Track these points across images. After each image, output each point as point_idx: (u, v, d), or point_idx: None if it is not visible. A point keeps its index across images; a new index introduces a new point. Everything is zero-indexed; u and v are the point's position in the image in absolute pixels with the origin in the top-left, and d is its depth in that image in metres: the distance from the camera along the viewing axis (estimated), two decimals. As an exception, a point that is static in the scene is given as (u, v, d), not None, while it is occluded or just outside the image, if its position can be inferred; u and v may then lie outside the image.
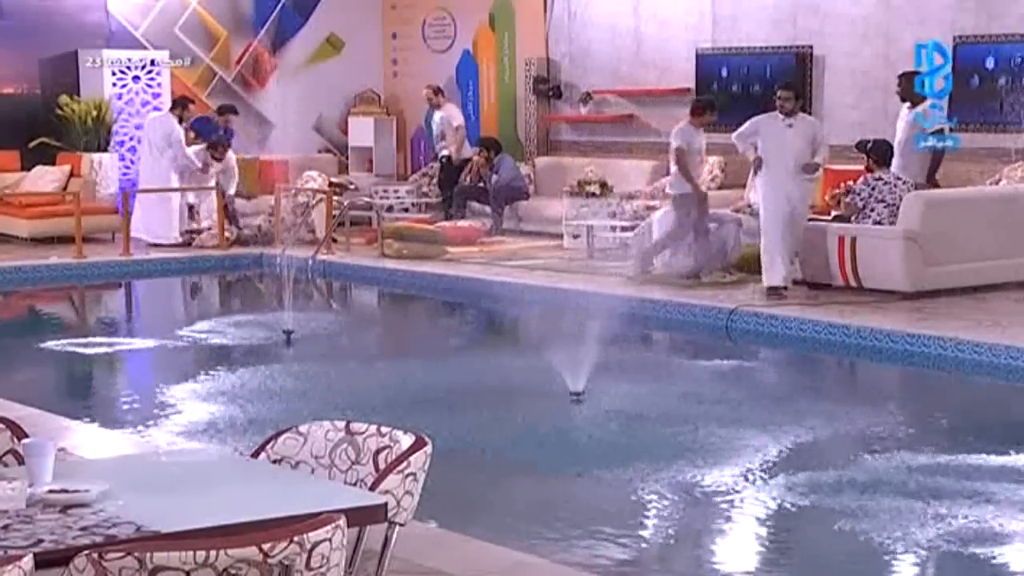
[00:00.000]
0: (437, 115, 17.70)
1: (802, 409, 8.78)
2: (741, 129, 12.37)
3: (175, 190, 16.00)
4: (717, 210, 13.33)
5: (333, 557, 3.23)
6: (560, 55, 18.03)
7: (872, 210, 12.01)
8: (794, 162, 11.92)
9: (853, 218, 12.13)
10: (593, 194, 15.37)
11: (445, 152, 17.50)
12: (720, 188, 15.46)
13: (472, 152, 17.23)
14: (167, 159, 16.02)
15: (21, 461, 3.94)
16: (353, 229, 15.98)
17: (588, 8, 17.59)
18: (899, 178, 12.14)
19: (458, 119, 17.69)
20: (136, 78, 17.48)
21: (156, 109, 17.16)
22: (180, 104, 16.44)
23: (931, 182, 12.48)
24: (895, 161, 12.38)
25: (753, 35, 15.95)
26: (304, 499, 3.63)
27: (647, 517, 6.76)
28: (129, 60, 17.49)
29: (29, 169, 16.91)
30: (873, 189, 12.04)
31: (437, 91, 17.79)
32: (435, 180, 18.02)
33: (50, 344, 11.24)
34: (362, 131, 19.21)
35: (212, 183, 16.21)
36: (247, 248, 15.78)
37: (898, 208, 11.84)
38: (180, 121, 16.23)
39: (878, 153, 12.29)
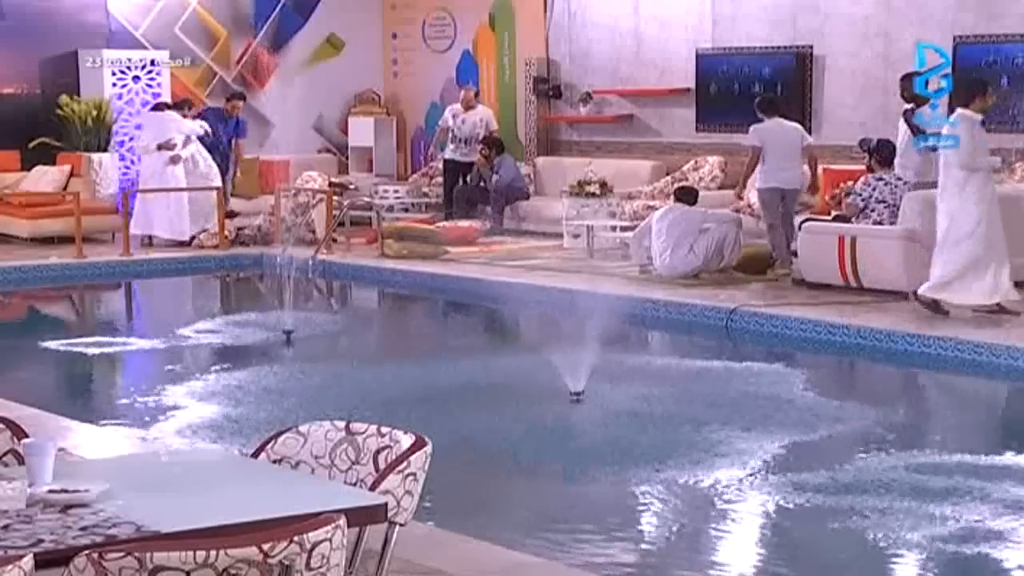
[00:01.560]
0: (469, 116, 17.17)
1: (802, 409, 8.78)
2: (976, 144, 10.62)
3: (177, 190, 15.98)
4: (716, 210, 13.35)
5: (333, 557, 3.23)
6: (560, 55, 18.03)
7: (872, 210, 12.01)
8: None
9: (854, 219, 12.14)
10: (593, 194, 15.37)
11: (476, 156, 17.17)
12: (720, 188, 15.48)
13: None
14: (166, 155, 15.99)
15: (21, 461, 3.94)
16: (353, 229, 15.98)
17: (588, 8, 17.59)
18: (899, 178, 12.14)
19: (495, 122, 17.54)
20: (136, 78, 17.48)
21: (154, 109, 17.09)
22: (184, 105, 16.39)
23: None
24: (896, 161, 12.38)
25: (753, 35, 15.95)
26: (304, 499, 3.63)
27: (647, 517, 6.76)
28: (129, 60, 17.49)
29: (29, 169, 16.91)
30: (874, 190, 12.05)
31: (477, 93, 17.58)
32: (434, 180, 18.02)
33: (50, 344, 11.24)
34: (362, 131, 19.21)
35: (215, 182, 16.22)
36: (247, 248, 15.78)
37: (899, 208, 11.83)
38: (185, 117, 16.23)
39: (881, 154, 12.27)
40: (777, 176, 12.97)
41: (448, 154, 17.32)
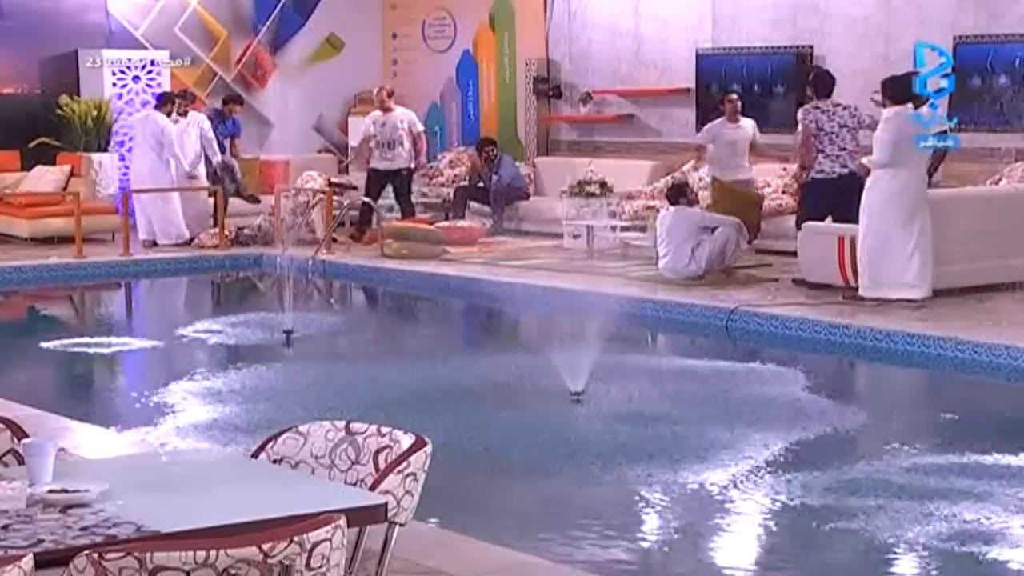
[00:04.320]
0: (388, 119, 16.22)
1: (802, 409, 8.78)
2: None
3: (173, 190, 15.95)
4: (716, 215, 13.34)
5: (333, 557, 3.23)
6: (560, 55, 18.03)
7: (815, 136, 12.49)
8: None
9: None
10: (593, 194, 15.37)
11: (405, 164, 16.26)
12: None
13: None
14: (163, 158, 15.89)
15: (21, 461, 3.94)
16: (353, 229, 15.96)
17: (588, 8, 17.59)
18: (838, 104, 12.63)
19: (419, 123, 16.75)
20: (136, 78, 17.48)
21: (144, 105, 16.99)
22: (168, 100, 16.20)
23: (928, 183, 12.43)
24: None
25: (753, 35, 15.95)
26: (304, 499, 3.63)
27: (647, 517, 6.76)
28: (129, 60, 17.49)
29: (29, 169, 16.91)
30: (814, 118, 12.53)
31: (391, 93, 16.56)
32: (434, 181, 18.00)
33: (50, 344, 11.24)
34: (362, 131, 19.15)
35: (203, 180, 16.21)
36: (247, 248, 15.78)
37: (838, 136, 12.41)
38: (170, 115, 16.08)
39: (817, 84, 12.85)
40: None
41: (373, 163, 16.33)
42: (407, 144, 16.28)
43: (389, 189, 17.04)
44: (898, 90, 11.47)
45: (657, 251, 12.97)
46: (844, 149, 12.43)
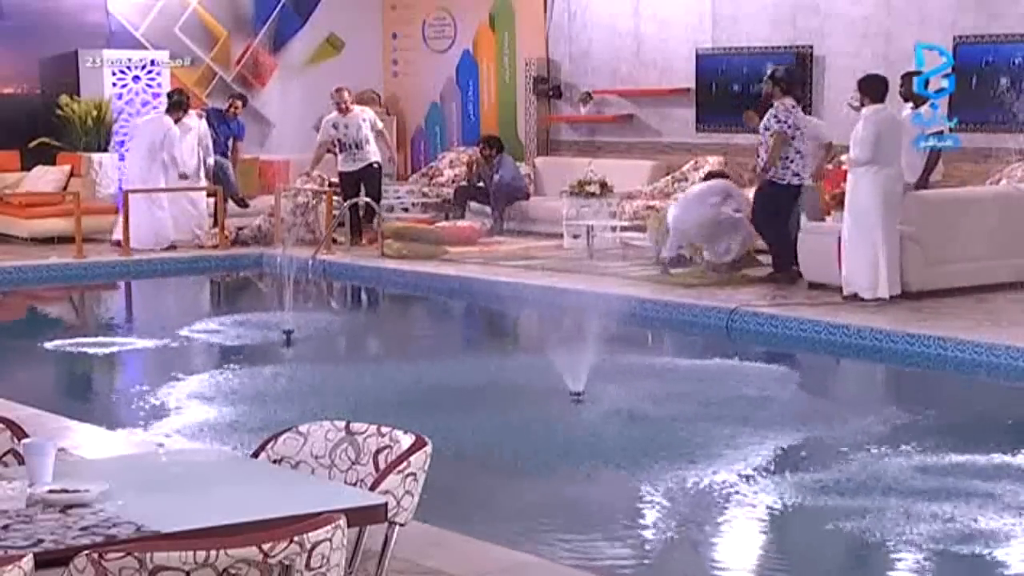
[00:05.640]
0: (351, 120, 15.86)
1: (802, 409, 8.79)
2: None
3: (168, 190, 15.87)
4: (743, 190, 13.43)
5: (333, 557, 3.23)
6: (560, 55, 18.03)
7: (794, 138, 12.42)
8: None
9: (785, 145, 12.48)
10: (593, 194, 15.37)
11: (375, 158, 16.00)
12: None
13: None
14: (158, 163, 15.77)
15: (21, 461, 3.94)
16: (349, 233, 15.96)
17: (588, 8, 17.60)
18: (795, 104, 12.69)
19: (379, 120, 16.48)
20: (136, 78, 17.47)
21: (155, 108, 16.99)
22: (181, 105, 16.05)
23: (924, 183, 12.39)
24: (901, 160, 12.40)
25: (753, 35, 15.95)
26: (304, 499, 3.63)
27: (647, 517, 6.76)
28: (129, 60, 17.48)
29: (29, 169, 16.91)
30: (790, 116, 12.50)
31: (349, 92, 16.20)
32: (434, 181, 17.98)
33: (50, 344, 11.24)
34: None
35: (202, 182, 16.14)
36: (247, 248, 15.77)
37: (802, 132, 12.47)
38: (178, 121, 15.95)
39: (786, 83, 12.77)
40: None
41: (342, 166, 16.05)
42: (372, 141, 15.96)
43: (390, 192, 17.05)
44: (874, 89, 11.61)
45: (662, 251, 13.03)
46: (807, 151, 12.54)
